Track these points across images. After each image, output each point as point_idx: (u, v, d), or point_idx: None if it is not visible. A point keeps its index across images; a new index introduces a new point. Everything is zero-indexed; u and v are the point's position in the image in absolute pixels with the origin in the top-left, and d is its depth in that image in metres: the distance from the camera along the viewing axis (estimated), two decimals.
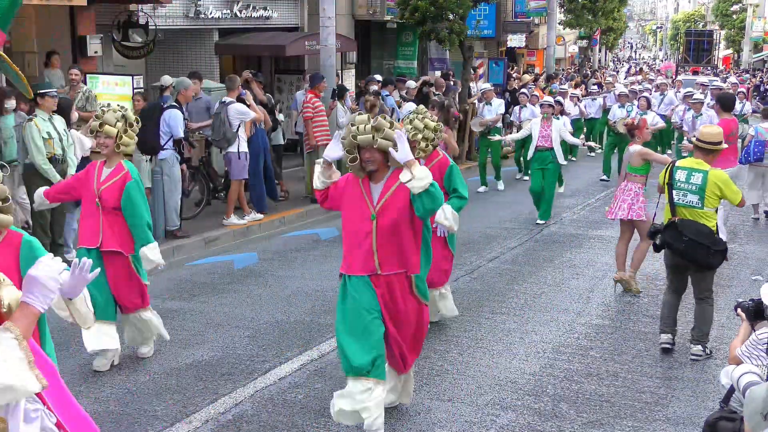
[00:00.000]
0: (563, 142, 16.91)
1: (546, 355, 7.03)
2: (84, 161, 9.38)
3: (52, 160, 8.80)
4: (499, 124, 16.13)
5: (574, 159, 19.06)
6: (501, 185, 15.60)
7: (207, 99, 12.56)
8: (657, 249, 7.02)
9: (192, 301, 8.52)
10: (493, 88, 16.69)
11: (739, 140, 20.17)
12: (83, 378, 6.46)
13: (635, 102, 16.32)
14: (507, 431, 5.63)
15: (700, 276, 6.95)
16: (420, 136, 6.96)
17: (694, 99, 14.61)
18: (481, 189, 15.25)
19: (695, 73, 42.87)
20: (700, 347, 6.91)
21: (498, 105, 15.76)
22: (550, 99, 13.94)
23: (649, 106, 15.60)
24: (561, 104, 15.47)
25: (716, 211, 6.90)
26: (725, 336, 7.49)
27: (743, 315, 4.38)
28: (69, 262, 9.78)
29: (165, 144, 10.45)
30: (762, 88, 36.40)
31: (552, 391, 6.28)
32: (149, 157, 10.64)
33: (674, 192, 6.87)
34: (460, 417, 5.82)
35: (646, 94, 16.40)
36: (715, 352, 7.13)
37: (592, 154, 20.17)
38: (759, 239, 11.57)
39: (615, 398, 6.15)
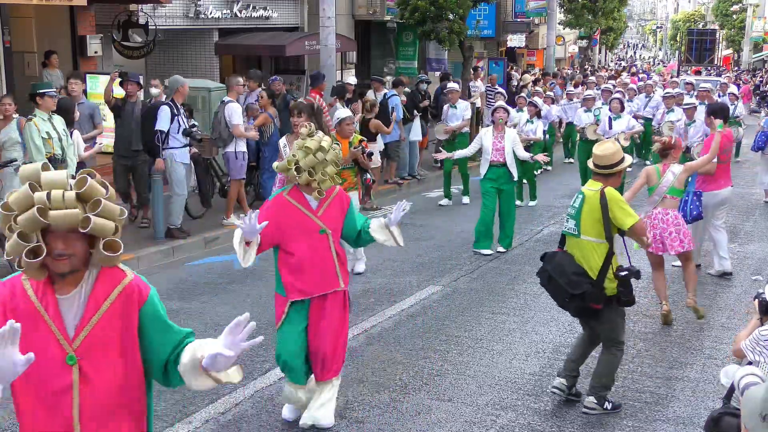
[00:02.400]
0: (540, 149, 16.39)
1: (546, 355, 7.02)
2: (79, 165, 9.40)
3: (52, 160, 8.78)
4: (466, 130, 14.20)
5: (549, 168, 17.12)
6: (466, 199, 13.97)
7: (91, 105, 11.39)
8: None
9: (192, 301, 8.51)
10: (459, 89, 15.27)
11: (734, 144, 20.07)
12: None
13: (602, 104, 14.85)
14: (507, 431, 5.64)
15: (594, 323, 5.87)
16: (327, 169, 5.32)
17: (687, 104, 13.15)
18: (444, 202, 13.80)
19: (698, 73, 42.65)
20: (593, 399, 5.84)
21: (464, 108, 14.18)
22: (502, 102, 11.54)
23: (622, 108, 13.83)
24: (536, 106, 14.53)
25: (607, 241, 5.66)
26: (725, 336, 7.49)
27: (756, 307, 4.37)
28: None
29: (164, 142, 10.45)
30: (761, 89, 36.45)
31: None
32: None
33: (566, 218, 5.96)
34: (460, 417, 5.82)
35: (618, 95, 14.49)
36: (714, 352, 7.13)
37: (539, 172, 16.28)
38: (759, 239, 11.57)
39: (615, 398, 6.14)
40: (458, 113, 14.04)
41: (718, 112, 9.21)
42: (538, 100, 15.68)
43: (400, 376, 6.52)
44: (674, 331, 7.69)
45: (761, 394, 2.93)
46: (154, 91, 12.25)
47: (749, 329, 4.34)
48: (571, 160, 18.78)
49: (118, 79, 11.22)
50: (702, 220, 9.16)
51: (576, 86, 21.41)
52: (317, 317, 5.41)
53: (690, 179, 8.43)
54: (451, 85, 15.49)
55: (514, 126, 14.38)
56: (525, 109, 14.86)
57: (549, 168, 17.79)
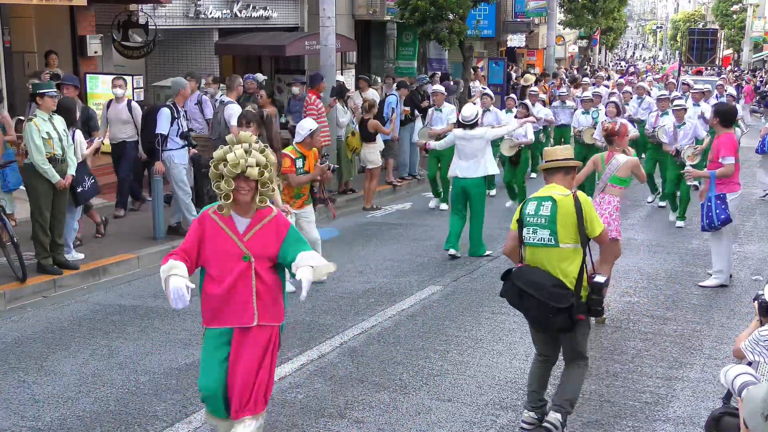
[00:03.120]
0: (535, 149, 16.22)
1: None
2: (80, 165, 9.39)
3: (52, 160, 8.79)
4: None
5: (534, 177, 16.56)
6: (442, 205, 13.50)
7: None
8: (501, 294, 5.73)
9: (192, 301, 8.48)
10: (445, 91, 14.68)
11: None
12: (83, 378, 6.46)
13: (599, 107, 14.62)
14: (507, 431, 5.63)
15: (563, 336, 5.51)
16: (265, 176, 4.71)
17: (676, 105, 12.54)
18: (442, 204, 13.51)
19: (699, 73, 42.60)
20: (558, 416, 5.41)
21: (449, 112, 13.63)
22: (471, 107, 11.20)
23: (618, 112, 12.99)
24: (527, 107, 14.22)
25: (581, 246, 5.42)
26: (725, 336, 7.49)
27: (756, 308, 4.38)
28: (68, 263, 9.73)
29: (163, 144, 10.46)
30: (761, 89, 36.46)
31: (552, 391, 6.26)
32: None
33: (524, 230, 5.46)
34: (460, 417, 5.82)
35: (615, 99, 14.07)
36: (714, 352, 7.13)
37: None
38: (759, 239, 11.57)
39: (615, 398, 6.15)
40: (443, 116, 13.59)
41: (722, 114, 8.85)
42: (529, 103, 15.54)
43: (400, 376, 6.53)
44: (674, 331, 7.69)
45: (761, 394, 2.93)
46: (117, 91, 11.90)
47: (749, 330, 4.34)
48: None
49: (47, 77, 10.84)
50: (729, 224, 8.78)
51: (576, 88, 21.27)
52: (237, 351, 4.78)
53: (698, 183, 8.16)
54: (436, 87, 14.95)
55: None
56: (513, 110, 14.76)
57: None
